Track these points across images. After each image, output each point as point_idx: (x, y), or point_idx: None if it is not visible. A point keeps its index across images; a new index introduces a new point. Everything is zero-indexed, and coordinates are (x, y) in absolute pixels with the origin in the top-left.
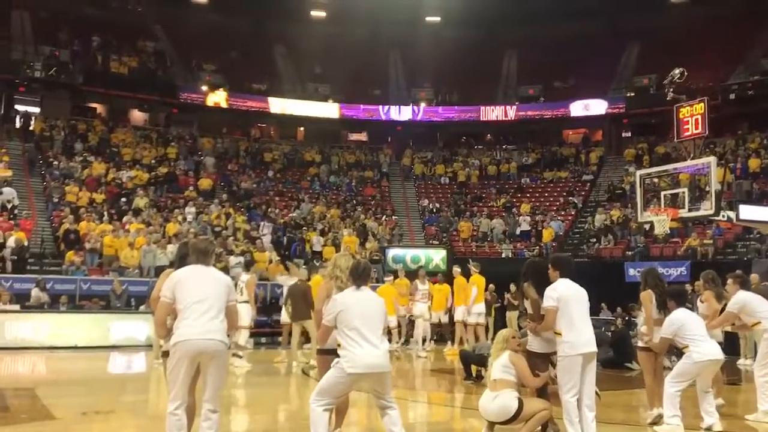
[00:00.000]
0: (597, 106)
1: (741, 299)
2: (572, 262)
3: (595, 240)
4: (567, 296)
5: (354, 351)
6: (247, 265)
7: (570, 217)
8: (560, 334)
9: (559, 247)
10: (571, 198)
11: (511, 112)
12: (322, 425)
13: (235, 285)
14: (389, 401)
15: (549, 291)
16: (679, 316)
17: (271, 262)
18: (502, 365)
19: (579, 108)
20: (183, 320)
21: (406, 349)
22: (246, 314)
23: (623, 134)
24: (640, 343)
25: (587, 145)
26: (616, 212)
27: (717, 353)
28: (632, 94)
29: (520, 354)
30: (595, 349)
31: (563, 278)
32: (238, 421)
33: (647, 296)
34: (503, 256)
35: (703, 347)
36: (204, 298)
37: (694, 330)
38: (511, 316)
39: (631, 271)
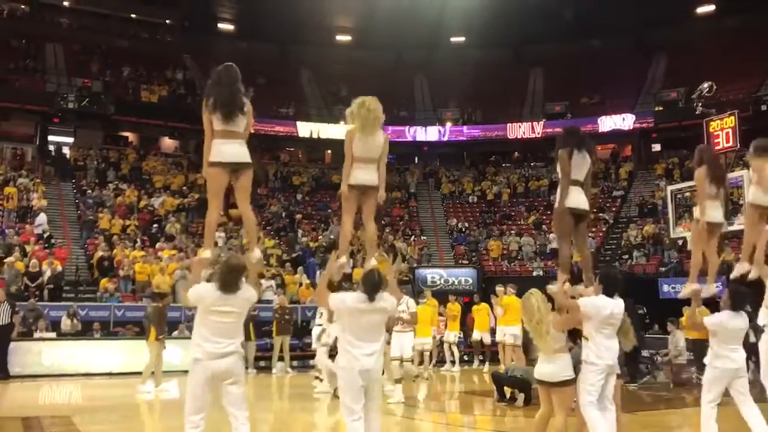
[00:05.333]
0: (625, 121)
1: None
2: (620, 281)
3: (627, 256)
4: (602, 312)
5: (350, 350)
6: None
7: (601, 234)
8: (587, 338)
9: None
10: (601, 214)
11: (539, 129)
12: None
13: None
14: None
15: (590, 304)
16: (729, 320)
17: (301, 285)
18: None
19: (607, 123)
20: (200, 341)
21: (437, 370)
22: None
23: (653, 149)
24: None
25: (616, 161)
26: (649, 228)
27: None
28: (661, 108)
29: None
30: (614, 362)
31: (605, 294)
32: None
33: (701, 174)
34: (534, 274)
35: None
36: (220, 328)
37: (729, 339)
38: None
39: (665, 287)
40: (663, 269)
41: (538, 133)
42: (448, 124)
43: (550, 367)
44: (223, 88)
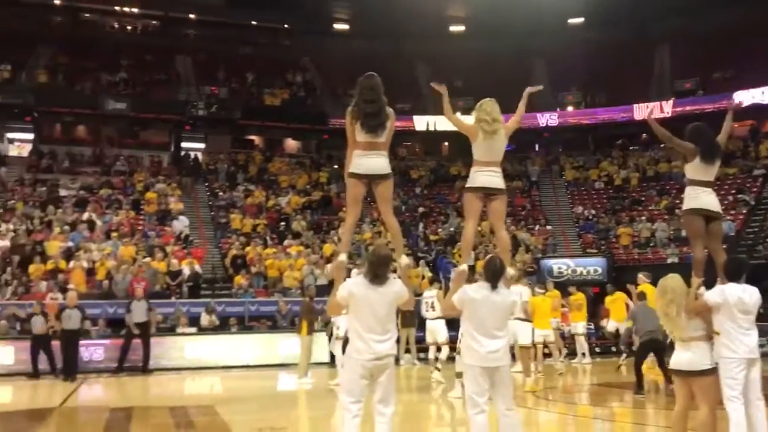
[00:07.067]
0: (765, 95)
1: None
2: (745, 266)
3: None
4: (731, 301)
5: (473, 346)
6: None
7: (741, 216)
8: (718, 333)
9: (731, 249)
10: (741, 195)
11: (668, 108)
12: None
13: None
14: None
15: (717, 290)
16: None
17: (423, 278)
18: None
19: (744, 98)
20: (353, 339)
21: (569, 362)
22: (442, 330)
23: None
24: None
25: (756, 137)
26: None
27: None
28: None
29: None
30: (756, 355)
31: (732, 282)
32: None
33: None
34: (669, 261)
35: None
36: (372, 321)
37: None
38: None
39: None
40: None
41: (668, 113)
42: (570, 108)
43: (687, 355)
44: (373, 103)
